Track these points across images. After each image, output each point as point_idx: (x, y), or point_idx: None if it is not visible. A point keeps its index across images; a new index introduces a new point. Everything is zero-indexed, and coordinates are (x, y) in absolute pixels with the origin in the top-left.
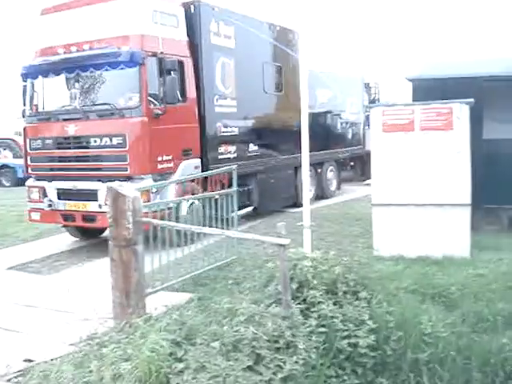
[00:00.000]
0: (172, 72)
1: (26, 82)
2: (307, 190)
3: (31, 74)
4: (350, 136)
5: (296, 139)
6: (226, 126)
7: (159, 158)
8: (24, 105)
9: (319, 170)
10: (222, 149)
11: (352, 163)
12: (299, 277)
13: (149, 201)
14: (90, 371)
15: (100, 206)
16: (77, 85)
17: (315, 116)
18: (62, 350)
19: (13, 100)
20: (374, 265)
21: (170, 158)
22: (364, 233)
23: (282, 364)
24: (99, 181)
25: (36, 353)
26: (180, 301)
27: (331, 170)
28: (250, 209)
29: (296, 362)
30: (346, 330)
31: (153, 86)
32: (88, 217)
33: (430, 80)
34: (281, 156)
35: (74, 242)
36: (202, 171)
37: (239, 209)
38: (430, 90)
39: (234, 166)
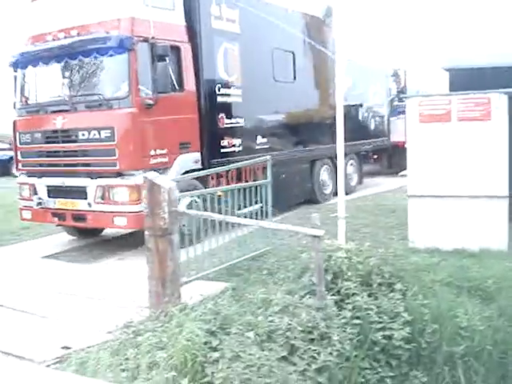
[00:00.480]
0: (166, 58)
1: (16, 71)
2: (342, 180)
3: (20, 63)
4: (372, 127)
5: (311, 130)
6: (229, 117)
7: (152, 153)
8: (15, 96)
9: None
10: (225, 142)
11: (376, 156)
12: (333, 268)
13: (139, 199)
14: (127, 359)
15: (89, 205)
16: (66, 74)
17: (332, 105)
18: (98, 337)
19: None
20: (409, 257)
21: (164, 152)
22: (399, 224)
23: (316, 355)
24: (88, 177)
25: (73, 340)
26: (215, 290)
27: (351, 164)
28: (257, 206)
29: (330, 354)
30: (381, 322)
31: (144, 75)
32: (78, 216)
33: (468, 70)
34: (294, 149)
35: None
36: (203, 166)
37: (245, 207)
38: (467, 79)
39: (269, 157)
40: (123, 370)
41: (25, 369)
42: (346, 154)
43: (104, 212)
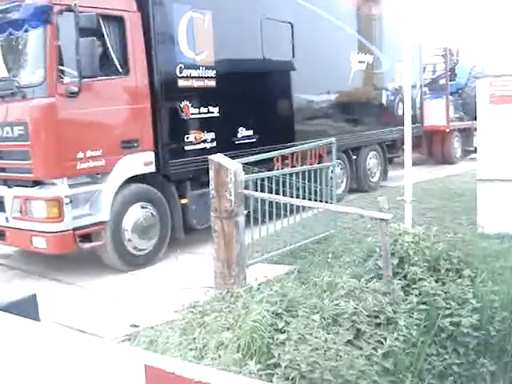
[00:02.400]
0: (100, 33)
1: None
2: (409, 164)
3: None
4: (400, 112)
5: (316, 119)
6: (197, 106)
7: (79, 155)
8: None
9: (354, 157)
10: (191, 136)
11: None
12: (400, 252)
13: (60, 216)
14: (194, 338)
15: (7, 220)
16: None
17: (347, 88)
18: (165, 316)
19: None
20: (478, 242)
21: (98, 153)
22: (467, 209)
23: (382, 340)
24: (5, 185)
25: (141, 318)
26: (279, 273)
27: (373, 157)
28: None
29: (396, 339)
30: (449, 309)
31: (69, 54)
32: None
33: None
34: (289, 142)
35: None
36: (157, 168)
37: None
38: None
39: (333, 139)
40: (191, 350)
41: (99, 345)
42: (364, 145)
43: (21, 230)
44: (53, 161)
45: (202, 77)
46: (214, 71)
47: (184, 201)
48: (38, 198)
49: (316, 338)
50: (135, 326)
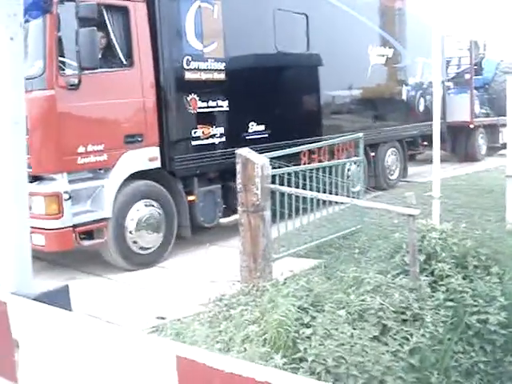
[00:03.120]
0: (103, 23)
1: None
2: (438, 159)
3: None
4: (420, 108)
5: (331, 114)
6: (205, 99)
7: (80, 149)
8: None
9: (372, 154)
10: (198, 131)
11: (426, 142)
12: (427, 249)
13: (59, 212)
14: (220, 331)
15: None
16: None
17: (365, 82)
18: (192, 309)
19: None
20: (507, 239)
21: (100, 148)
22: (496, 206)
23: (408, 336)
24: None
25: (168, 311)
26: (305, 267)
27: (392, 154)
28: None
29: (423, 335)
30: (476, 306)
31: (69, 45)
32: None
33: None
34: (302, 138)
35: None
36: (163, 164)
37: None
38: None
39: (361, 134)
40: (217, 342)
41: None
42: (383, 142)
43: None
44: (52, 155)
45: (210, 69)
46: (224, 64)
47: (191, 198)
48: (37, 194)
49: (342, 333)
50: (162, 318)
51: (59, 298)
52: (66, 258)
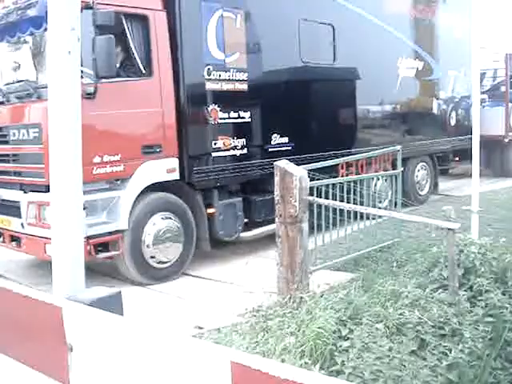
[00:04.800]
0: (120, 31)
1: None
2: (477, 173)
3: None
4: (452, 123)
5: (359, 128)
6: (226, 110)
7: (96, 159)
8: None
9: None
10: (218, 143)
11: (457, 158)
12: (465, 263)
13: None
14: (257, 342)
15: (22, 226)
16: (6, 56)
17: (394, 95)
18: (229, 319)
19: None
20: None
21: (117, 158)
22: None
23: (446, 351)
24: (22, 190)
25: (205, 320)
26: (342, 280)
27: (422, 168)
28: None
29: (461, 351)
30: None
31: (87, 54)
32: (14, 238)
33: None
34: (326, 152)
35: None
36: (182, 176)
37: (260, 224)
38: None
39: (399, 147)
40: (255, 353)
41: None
42: (413, 156)
43: (36, 237)
44: None
45: (232, 79)
46: (246, 74)
47: (211, 211)
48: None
49: (380, 346)
50: (200, 327)
51: (112, 304)
52: (102, 265)
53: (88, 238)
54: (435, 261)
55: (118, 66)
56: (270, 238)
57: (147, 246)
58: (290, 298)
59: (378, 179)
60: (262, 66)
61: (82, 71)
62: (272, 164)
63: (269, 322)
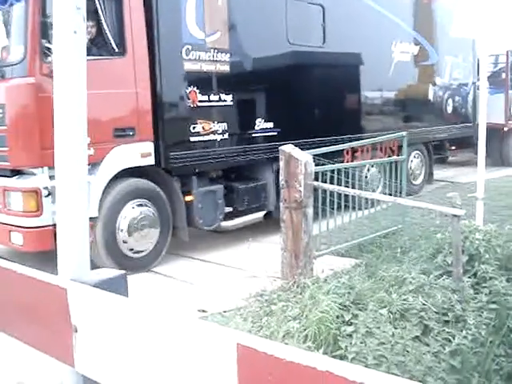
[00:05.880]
0: (89, 6)
1: None
2: (482, 160)
3: None
4: (449, 110)
5: (347, 113)
6: (207, 93)
7: None
8: None
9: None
10: (197, 127)
11: (453, 147)
12: (470, 250)
13: (38, 210)
14: (261, 326)
15: None
16: None
17: (387, 80)
18: (233, 303)
19: None
20: None
21: (87, 141)
22: None
23: (450, 337)
24: None
25: (209, 304)
26: (346, 265)
27: (416, 157)
28: (260, 214)
29: (465, 337)
30: None
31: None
32: None
33: None
34: (314, 138)
35: None
36: (157, 161)
37: (242, 212)
38: None
39: (405, 133)
40: (259, 337)
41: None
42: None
43: (2, 224)
44: (31, 148)
45: (212, 60)
46: (228, 55)
47: (189, 198)
48: (16, 189)
49: (383, 332)
50: (203, 311)
51: (117, 286)
52: None
53: (54, 225)
54: (439, 247)
55: (90, 43)
56: (274, 223)
57: (122, 235)
58: (294, 282)
59: (372, 166)
60: (245, 47)
61: (50, 49)
62: (255, 150)
63: (272, 306)
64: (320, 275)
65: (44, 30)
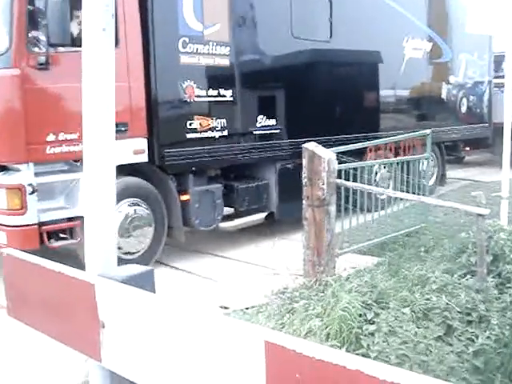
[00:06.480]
0: None
1: None
2: (507, 159)
3: None
4: (462, 110)
5: (356, 112)
6: (205, 87)
7: (49, 137)
8: None
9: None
10: (194, 123)
11: (468, 148)
12: (495, 250)
13: (22, 208)
14: (283, 324)
15: None
16: None
17: (397, 78)
18: (254, 300)
19: None
20: None
21: (74, 136)
22: None
23: (473, 337)
24: None
25: (231, 301)
26: (368, 264)
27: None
28: (261, 216)
29: (488, 338)
30: None
31: (42, 19)
32: None
33: None
34: (317, 136)
35: None
36: (151, 158)
37: (243, 213)
38: None
39: (429, 131)
40: None
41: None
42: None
43: None
44: (15, 143)
45: (211, 54)
46: (228, 48)
47: (184, 197)
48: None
49: (406, 331)
50: (225, 307)
51: (144, 282)
52: None
53: (41, 224)
54: (463, 246)
55: (81, 33)
56: (298, 220)
57: None
58: (316, 280)
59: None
60: (247, 40)
61: (38, 39)
62: (256, 149)
63: (294, 304)
64: (342, 273)
65: (31, 18)
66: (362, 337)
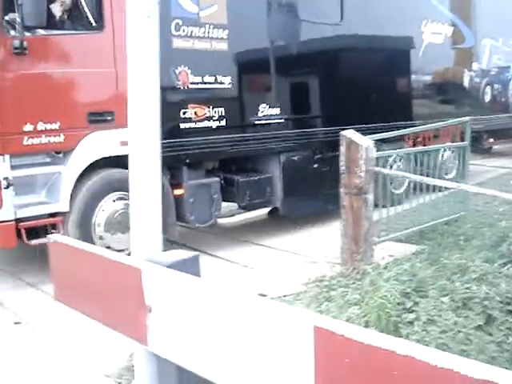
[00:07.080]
0: None
1: None
2: None
3: None
4: (487, 99)
5: (366, 101)
6: (200, 74)
7: (26, 128)
8: None
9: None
10: (188, 112)
11: (492, 139)
12: None
13: None
14: (321, 311)
15: None
16: None
17: (416, 65)
18: (292, 288)
19: None
20: None
21: (55, 126)
22: None
23: None
24: None
25: (269, 289)
26: (406, 252)
27: (448, 149)
28: (265, 211)
29: None
30: None
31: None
32: None
33: None
34: (326, 126)
35: None
36: None
37: (246, 208)
38: None
39: (467, 118)
40: None
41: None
42: (435, 135)
43: None
44: None
45: (208, 37)
46: (226, 31)
47: (178, 192)
48: None
49: (445, 320)
50: (263, 295)
51: (190, 267)
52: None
53: (18, 220)
54: (504, 235)
55: (63, 16)
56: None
57: (99, 232)
58: (354, 268)
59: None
60: (247, 23)
61: (14, 21)
62: (258, 139)
63: (332, 292)
64: (380, 262)
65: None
66: (400, 325)
